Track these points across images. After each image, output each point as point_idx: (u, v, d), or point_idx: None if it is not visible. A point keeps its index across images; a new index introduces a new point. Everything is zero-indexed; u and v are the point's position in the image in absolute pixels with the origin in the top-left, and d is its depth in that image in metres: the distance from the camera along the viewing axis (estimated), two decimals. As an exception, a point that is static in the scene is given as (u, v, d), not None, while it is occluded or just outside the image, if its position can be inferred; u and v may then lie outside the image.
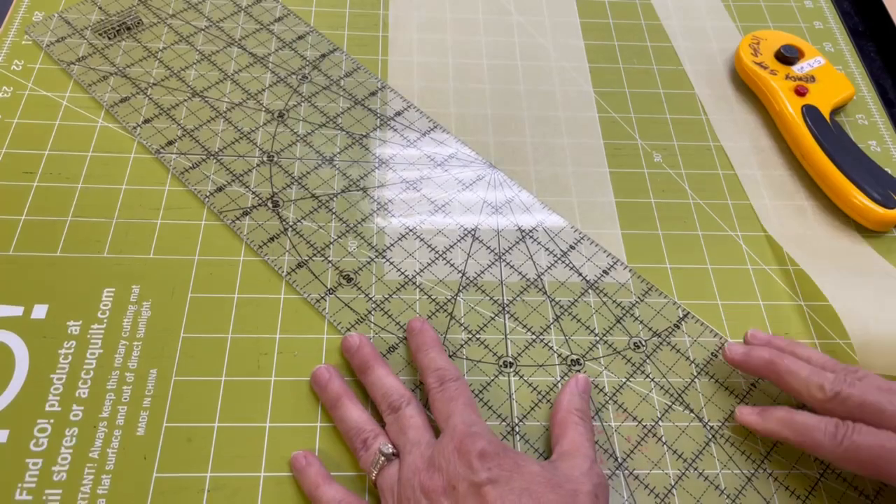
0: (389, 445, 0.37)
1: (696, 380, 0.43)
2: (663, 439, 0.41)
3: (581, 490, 0.35)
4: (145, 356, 0.41)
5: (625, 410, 0.42)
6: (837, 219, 0.51)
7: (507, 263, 0.47)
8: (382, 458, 0.37)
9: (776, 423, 0.39)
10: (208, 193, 0.48)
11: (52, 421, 0.39)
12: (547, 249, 0.48)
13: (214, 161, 0.49)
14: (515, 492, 0.33)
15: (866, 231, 0.50)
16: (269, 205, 0.48)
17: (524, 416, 0.41)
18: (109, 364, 0.41)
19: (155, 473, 0.38)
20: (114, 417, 0.39)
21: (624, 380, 0.43)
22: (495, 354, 0.43)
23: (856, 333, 0.43)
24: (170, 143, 0.50)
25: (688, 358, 0.44)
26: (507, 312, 0.45)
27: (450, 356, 0.43)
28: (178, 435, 0.39)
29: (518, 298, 0.45)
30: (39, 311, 0.42)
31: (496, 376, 0.42)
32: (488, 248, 0.47)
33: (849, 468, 0.37)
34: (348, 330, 0.43)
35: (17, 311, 0.42)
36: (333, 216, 0.48)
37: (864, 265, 0.48)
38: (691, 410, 0.42)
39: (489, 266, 0.47)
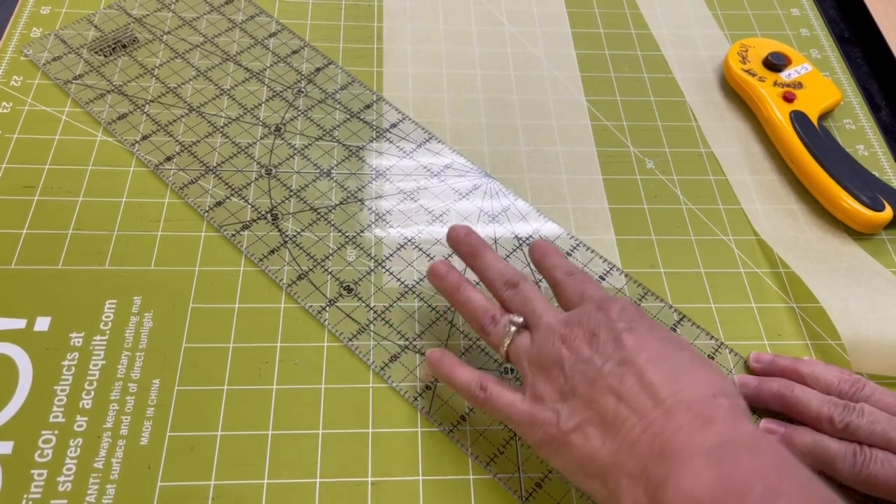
0: (520, 317, 0.38)
1: (692, 381, 0.44)
2: (661, 440, 0.41)
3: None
4: (148, 366, 0.42)
5: (623, 413, 0.42)
6: (827, 222, 0.52)
7: (504, 270, 0.47)
8: (514, 329, 0.38)
9: (800, 451, 0.39)
10: (208, 208, 0.48)
11: (56, 432, 0.39)
12: (543, 256, 0.48)
13: (213, 176, 0.50)
14: (657, 340, 0.35)
15: (856, 233, 0.51)
16: (269, 218, 0.48)
17: (524, 420, 0.42)
18: (112, 375, 0.41)
19: (159, 482, 0.38)
20: (117, 427, 0.39)
21: (621, 383, 0.43)
22: (496, 361, 0.44)
23: (847, 334, 0.44)
24: (168, 158, 0.50)
25: (684, 360, 0.44)
26: (505, 318, 0.45)
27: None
28: (182, 444, 0.39)
29: (516, 304, 0.46)
30: (42, 324, 0.42)
31: (496, 381, 0.43)
32: (485, 255, 0.48)
33: (868, 493, 0.39)
34: (350, 340, 0.44)
35: (20, 323, 0.42)
36: (332, 228, 0.48)
37: (855, 267, 0.49)
38: (688, 412, 0.42)
39: (486, 273, 0.47)
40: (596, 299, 0.37)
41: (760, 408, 0.43)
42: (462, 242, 0.43)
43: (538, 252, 0.43)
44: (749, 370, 0.44)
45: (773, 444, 0.31)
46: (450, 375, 0.39)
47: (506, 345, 0.38)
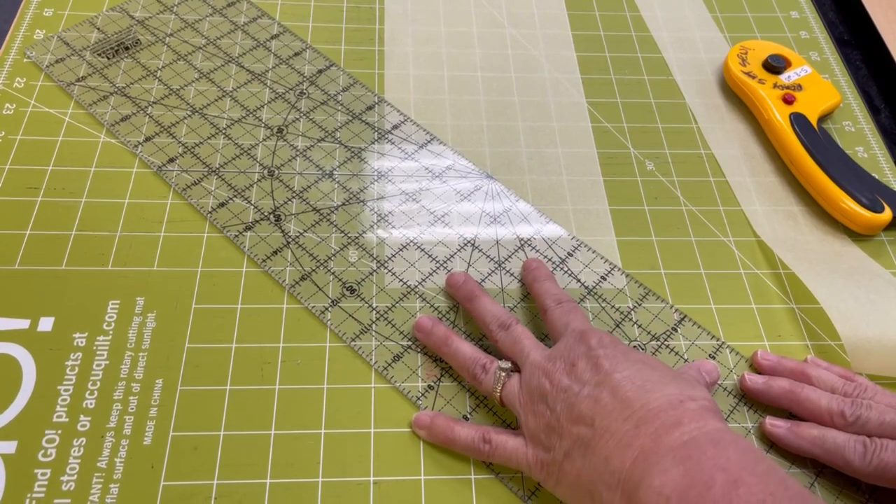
0: (508, 363, 0.40)
1: (693, 382, 0.44)
2: (663, 440, 0.41)
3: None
4: (151, 367, 0.42)
5: (624, 413, 0.42)
6: (827, 223, 0.52)
7: (507, 272, 0.48)
8: (503, 374, 0.40)
9: (808, 443, 0.40)
10: (211, 209, 0.48)
11: (59, 431, 0.39)
12: (545, 257, 0.48)
13: (216, 177, 0.50)
14: (631, 361, 0.37)
15: (855, 235, 0.51)
16: (271, 219, 0.48)
17: (526, 420, 0.42)
18: (116, 375, 0.41)
19: (162, 482, 0.38)
20: (121, 427, 0.39)
21: (623, 383, 0.43)
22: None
23: (847, 335, 0.44)
24: (171, 160, 0.51)
25: (686, 360, 0.45)
26: (507, 319, 0.46)
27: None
28: (185, 444, 0.39)
29: (519, 305, 0.46)
30: (46, 324, 0.43)
31: (497, 381, 0.43)
32: (488, 256, 0.48)
33: (878, 483, 0.39)
34: (353, 340, 0.44)
35: (23, 324, 0.43)
36: (334, 228, 0.49)
37: (854, 268, 0.49)
38: (689, 412, 0.43)
39: (489, 274, 0.47)
40: (578, 331, 0.40)
41: (768, 404, 0.43)
42: (460, 287, 0.45)
43: (530, 275, 0.46)
44: (753, 368, 0.44)
45: (736, 437, 0.33)
46: (449, 436, 0.40)
47: (498, 391, 0.40)
